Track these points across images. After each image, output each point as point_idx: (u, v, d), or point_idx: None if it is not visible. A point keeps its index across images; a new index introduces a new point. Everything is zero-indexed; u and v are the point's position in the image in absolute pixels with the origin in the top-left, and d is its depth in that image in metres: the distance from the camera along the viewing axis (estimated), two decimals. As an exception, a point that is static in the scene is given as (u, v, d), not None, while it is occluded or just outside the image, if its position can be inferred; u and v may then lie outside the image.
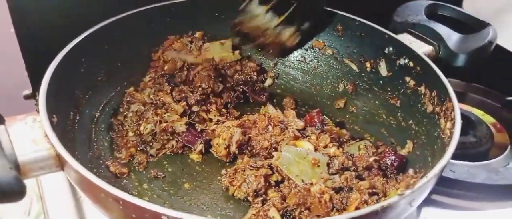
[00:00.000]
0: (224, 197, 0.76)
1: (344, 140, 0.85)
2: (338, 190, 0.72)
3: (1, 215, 0.80)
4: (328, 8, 0.96)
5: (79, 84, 0.80)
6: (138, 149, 0.82)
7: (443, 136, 0.74)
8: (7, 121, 0.64)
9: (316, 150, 0.80)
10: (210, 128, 0.85)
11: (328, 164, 0.77)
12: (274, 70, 1.01)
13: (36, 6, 0.86)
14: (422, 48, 0.89)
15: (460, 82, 1.10)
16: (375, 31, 0.91)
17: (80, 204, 0.79)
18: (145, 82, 0.90)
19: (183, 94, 0.87)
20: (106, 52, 0.86)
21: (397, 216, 0.61)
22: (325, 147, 0.81)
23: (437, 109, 0.78)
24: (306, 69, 1.00)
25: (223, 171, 0.79)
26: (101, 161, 0.78)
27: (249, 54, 0.99)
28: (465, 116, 0.97)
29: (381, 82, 0.91)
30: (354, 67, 0.95)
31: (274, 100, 0.97)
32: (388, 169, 0.79)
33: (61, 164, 0.62)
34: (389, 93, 0.89)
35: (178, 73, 0.91)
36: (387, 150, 0.81)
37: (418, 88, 0.84)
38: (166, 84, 0.89)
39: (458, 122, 0.70)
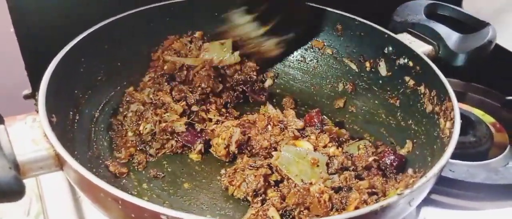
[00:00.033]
0: (224, 197, 0.76)
1: (344, 139, 0.85)
2: (337, 190, 0.72)
3: (1, 215, 0.80)
4: (327, 8, 0.96)
5: (79, 83, 0.80)
6: (138, 149, 0.82)
7: (442, 136, 0.74)
8: (7, 121, 0.64)
9: (315, 149, 0.80)
10: (209, 128, 0.85)
11: (327, 164, 0.77)
12: (274, 70, 1.01)
13: (36, 6, 0.86)
14: (421, 48, 0.89)
15: (460, 82, 1.10)
16: (375, 31, 0.91)
17: (79, 204, 0.79)
18: (144, 82, 0.90)
19: (183, 94, 0.87)
20: (106, 52, 0.86)
21: (397, 215, 0.61)
22: (325, 146, 0.81)
23: (437, 108, 0.78)
24: (306, 69, 1.00)
25: (223, 171, 0.80)
26: (100, 161, 0.78)
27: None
28: (464, 116, 0.97)
29: (380, 81, 0.91)
30: (354, 66, 0.95)
31: (274, 100, 0.97)
32: (387, 169, 0.79)
33: (60, 163, 0.62)
34: (389, 92, 0.89)
35: (178, 73, 0.91)
36: (386, 149, 0.81)
37: (418, 88, 0.84)
38: (166, 84, 0.89)
39: (458, 121, 0.70)
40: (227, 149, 0.81)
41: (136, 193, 0.75)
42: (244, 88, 0.96)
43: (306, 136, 0.84)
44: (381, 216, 0.57)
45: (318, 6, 0.96)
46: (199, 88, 0.88)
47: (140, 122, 0.83)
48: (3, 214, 0.80)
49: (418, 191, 0.60)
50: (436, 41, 0.91)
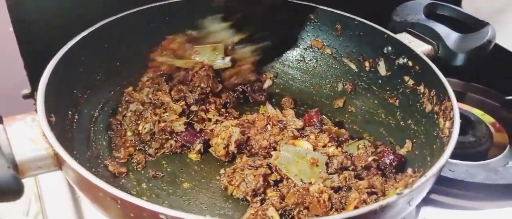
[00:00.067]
0: (223, 197, 0.76)
1: (343, 139, 0.85)
2: (337, 190, 0.72)
3: (0, 215, 0.80)
4: (327, 8, 0.96)
5: (78, 83, 0.80)
6: (137, 148, 0.82)
7: (442, 136, 0.74)
8: (6, 121, 0.64)
9: (315, 149, 0.80)
10: (209, 128, 0.85)
11: (327, 164, 0.77)
12: (273, 70, 1.01)
13: (35, 5, 0.86)
14: (421, 48, 0.89)
15: (459, 82, 1.10)
16: (374, 31, 0.91)
17: (78, 204, 0.79)
18: (143, 82, 0.90)
19: (182, 94, 0.87)
20: (105, 52, 0.86)
21: (396, 215, 0.61)
22: (324, 146, 0.81)
23: (436, 108, 0.78)
24: (305, 68, 1.00)
25: (222, 171, 0.80)
26: (99, 161, 0.78)
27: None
28: (464, 116, 0.97)
29: (380, 81, 0.91)
30: (353, 66, 0.95)
31: (273, 100, 0.97)
32: (387, 169, 0.79)
33: (59, 163, 0.61)
34: (388, 92, 0.89)
35: (176, 73, 0.91)
36: (386, 149, 0.81)
37: (417, 88, 0.84)
38: (165, 83, 0.89)
39: (457, 121, 0.70)
40: (226, 149, 0.81)
41: (135, 192, 0.74)
42: (243, 88, 0.96)
43: (306, 135, 0.84)
44: (380, 215, 0.57)
45: (318, 6, 0.96)
46: (198, 88, 0.88)
47: (139, 122, 0.83)
48: (3, 214, 0.80)
49: (417, 190, 0.59)
50: (436, 40, 0.91)
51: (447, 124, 0.73)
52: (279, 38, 0.97)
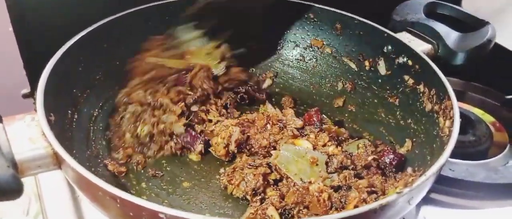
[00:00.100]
0: (223, 196, 0.75)
1: (343, 138, 0.85)
2: (336, 189, 0.72)
3: (0, 215, 0.80)
4: (326, 7, 0.96)
5: (77, 82, 0.80)
6: (136, 150, 0.81)
7: (442, 135, 0.73)
8: (6, 120, 0.64)
9: (314, 148, 0.80)
10: (209, 129, 0.85)
11: (326, 163, 0.77)
12: (273, 69, 1.01)
13: (35, 5, 0.86)
14: (421, 47, 0.89)
15: (459, 81, 1.10)
16: (374, 30, 0.91)
17: (78, 203, 0.79)
18: (132, 86, 0.85)
19: (181, 95, 0.86)
20: (105, 51, 0.86)
21: (396, 214, 0.61)
22: (324, 145, 0.81)
23: (436, 107, 0.78)
24: (305, 68, 1.00)
25: (222, 170, 0.80)
26: (99, 160, 0.77)
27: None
28: (464, 115, 0.97)
29: (380, 80, 0.91)
30: (353, 65, 0.95)
31: (273, 99, 0.97)
32: (386, 168, 0.79)
33: (58, 162, 0.61)
34: (388, 91, 0.89)
35: (168, 75, 0.88)
36: (386, 148, 0.81)
37: (417, 87, 0.84)
38: (161, 85, 0.87)
39: (457, 120, 0.70)
40: (226, 149, 0.81)
41: (134, 192, 0.74)
42: (245, 88, 0.95)
43: (305, 135, 0.84)
44: (380, 214, 0.57)
45: (318, 5, 0.96)
46: (200, 89, 0.87)
47: (137, 124, 0.82)
48: (3, 214, 0.80)
49: (417, 189, 0.59)
50: (436, 40, 0.91)
51: (447, 123, 0.73)
52: (256, 45, 0.96)
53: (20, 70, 0.91)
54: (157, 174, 0.78)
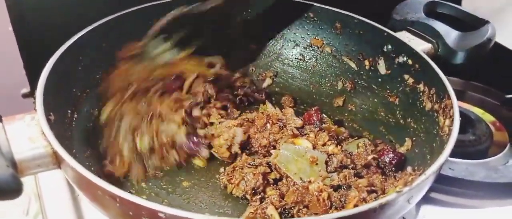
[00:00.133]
0: (223, 195, 0.75)
1: (343, 138, 0.85)
2: (336, 188, 0.72)
3: (0, 215, 0.80)
4: (326, 6, 0.96)
5: (77, 82, 0.80)
6: (136, 164, 0.77)
7: (441, 134, 0.73)
8: (6, 120, 0.64)
9: (314, 148, 0.80)
10: (210, 132, 0.83)
11: (326, 162, 0.77)
12: (273, 69, 1.01)
13: (35, 5, 0.86)
14: (421, 46, 0.89)
15: (459, 81, 1.10)
16: (374, 29, 0.91)
17: (78, 203, 0.79)
18: (118, 103, 0.80)
19: (179, 103, 0.83)
20: (104, 50, 0.85)
21: (396, 213, 0.61)
22: (324, 145, 0.81)
23: (436, 106, 0.78)
24: (305, 67, 1.00)
25: (222, 169, 0.80)
26: (98, 159, 0.77)
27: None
28: (464, 115, 0.97)
29: (379, 80, 0.91)
30: (353, 65, 0.95)
31: (273, 98, 0.97)
32: (386, 167, 0.79)
33: (58, 161, 0.61)
34: (388, 91, 0.89)
35: (157, 85, 0.83)
36: (385, 148, 0.81)
37: (417, 86, 0.84)
38: (154, 95, 0.82)
39: (457, 119, 0.70)
40: (229, 150, 0.81)
41: (134, 191, 0.74)
42: (245, 90, 0.95)
43: (305, 134, 0.84)
44: (380, 213, 0.57)
45: (318, 4, 0.96)
46: (201, 94, 0.86)
47: (136, 137, 0.77)
48: (3, 214, 0.80)
49: (417, 188, 0.59)
50: (435, 39, 0.91)
51: (447, 122, 0.73)
52: (228, 49, 0.94)
53: (20, 70, 0.91)
54: (157, 174, 0.78)
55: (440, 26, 0.92)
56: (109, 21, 0.85)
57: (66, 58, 0.76)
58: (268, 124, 0.83)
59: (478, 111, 1.03)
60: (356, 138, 0.85)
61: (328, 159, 0.77)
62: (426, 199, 0.81)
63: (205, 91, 0.87)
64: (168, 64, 0.84)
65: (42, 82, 0.69)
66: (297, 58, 1.01)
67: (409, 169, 0.76)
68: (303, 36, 0.99)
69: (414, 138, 0.81)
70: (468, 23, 0.96)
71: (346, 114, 0.93)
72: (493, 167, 0.87)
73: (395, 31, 0.91)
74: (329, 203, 0.69)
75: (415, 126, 0.82)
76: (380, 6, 0.97)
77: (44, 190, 0.81)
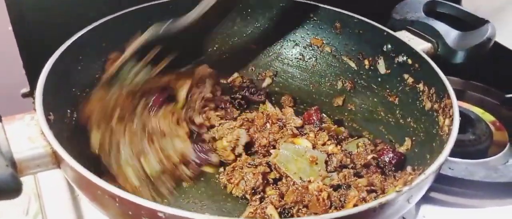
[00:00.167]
0: (222, 195, 0.75)
1: (342, 137, 0.85)
2: (336, 188, 0.72)
3: (0, 215, 0.80)
4: (326, 6, 0.96)
5: (77, 82, 0.79)
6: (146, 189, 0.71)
7: (441, 133, 0.73)
8: (6, 120, 0.64)
9: (314, 147, 0.80)
10: (212, 135, 0.83)
11: (326, 162, 0.77)
12: (272, 68, 1.01)
13: (34, 4, 0.86)
14: (420, 45, 0.89)
15: (459, 80, 1.10)
16: (374, 29, 0.91)
17: (77, 203, 0.79)
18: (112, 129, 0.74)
19: (178, 114, 0.80)
20: (104, 50, 0.85)
21: (395, 213, 0.61)
22: (323, 144, 0.81)
23: (436, 106, 0.78)
24: (305, 67, 1.00)
25: (221, 169, 0.79)
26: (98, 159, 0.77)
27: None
28: (464, 114, 0.97)
29: (379, 79, 0.91)
30: (353, 64, 0.95)
31: (273, 98, 0.97)
32: (386, 167, 0.79)
33: (57, 161, 0.61)
34: (388, 90, 0.89)
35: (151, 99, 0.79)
36: (385, 147, 0.81)
37: (417, 85, 0.84)
38: (144, 112, 0.77)
39: (457, 118, 0.70)
40: (233, 152, 0.80)
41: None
42: (242, 94, 0.95)
43: (305, 134, 0.84)
44: (379, 213, 0.56)
45: (318, 4, 0.96)
46: (198, 102, 0.85)
47: (141, 159, 0.72)
48: (2, 214, 0.80)
49: (416, 188, 0.59)
50: (435, 38, 0.90)
51: (447, 121, 0.73)
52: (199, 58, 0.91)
53: (19, 70, 0.91)
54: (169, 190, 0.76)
55: (439, 26, 0.92)
56: (109, 21, 0.85)
57: (65, 58, 0.76)
58: (267, 124, 0.83)
59: (478, 110, 1.03)
60: (356, 137, 0.85)
61: (327, 158, 0.77)
62: (426, 199, 0.81)
63: (201, 96, 0.86)
64: (146, 81, 0.79)
65: (42, 82, 0.69)
66: (297, 58, 1.00)
67: (408, 168, 0.76)
68: (303, 35, 0.99)
69: (413, 138, 0.81)
70: (468, 23, 0.96)
71: (345, 114, 0.93)
72: (493, 166, 0.87)
73: (394, 31, 0.91)
74: (329, 202, 0.69)
75: (415, 126, 0.82)
76: (380, 5, 0.97)
77: (44, 190, 0.81)
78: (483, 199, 0.83)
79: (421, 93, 0.83)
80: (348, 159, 0.78)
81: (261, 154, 0.80)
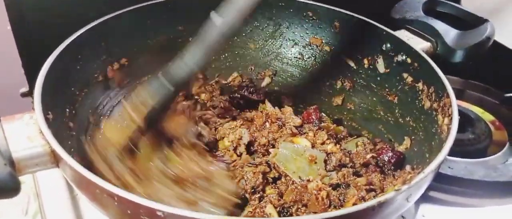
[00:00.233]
0: (221, 194, 0.75)
1: (342, 136, 0.85)
2: (335, 187, 0.72)
3: (-1, 215, 0.80)
4: (325, 5, 0.96)
5: (76, 81, 0.79)
6: None
7: (440, 132, 0.73)
8: (4, 119, 0.64)
9: (313, 147, 0.80)
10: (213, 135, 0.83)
11: (325, 161, 0.77)
12: (272, 68, 1.01)
13: (33, 4, 0.86)
14: (419, 45, 0.89)
15: (459, 80, 1.10)
16: (373, 28, 0.91)
17: (76, 202, 0.79)
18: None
19: (202, 152, 0.76)
20: (103, 50, 0.85)
21: (394, 211, 0.61)
22: (323, 143, 0.81)
23: (435, 105, 0.78)
24: (304, 66, 1.00)
25: (221, 169, 0.79)
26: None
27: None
28: (463, 113, 0.97)
29: (378, 78, 0.91)
30: (352, 64, 0.95)
31: (272, 97, 0.97)
32: (385, 166, 0.79)
33: (56, 160, 0.61)
34: (387, 89, 0.89)
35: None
36: (384, 146, 0.81)
37: (416, 85, 0.84)
38: (157, 146, 0.71)
39: (456, 117, 0.70)
40: (235, 151, 0.80)
41: (133, 190, 0.74)
42: (241, 93, 0.95)
43: (304, 133, 0.84)
44: (378, 212, 0.56)
45: (317, 3, 0.96)
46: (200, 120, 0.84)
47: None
48: (1, 214, 0.80)
49: (415, 187, 0.59)
50: (435, 37, 0.90)
51: (446, 120, 0.73)
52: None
53: (19, 69, 0.90)
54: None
55: (439, 25, 0.92)
56: (108, 20, 0.84)
57: (64, 57, 0.75)
58: (267, 123, 0.83)
59: (477, 110, 1.03)
60: (355, 137, 0.85)
61: (327, 157, 0.77)
62: (425, 198, 0.81)
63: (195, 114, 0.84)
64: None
65: (40, 81, 0.69)
66: (296, 57, 1.00)
67: (408, 167, 0.76)
68: (302, 35, 0.99)
69: (413, 137, 0.81)
70: (467, 22, 0.96)
71: (345, 113, 0.93)
72: (492, 166, 0.87)
73: (394, 30, 0.91)
74: (328, 201, 0.69)
75: (414, 125, 0.82)
76: (379, 5, 0.97)
77: (43, 190, 0.81)
78: (482, 198, 0.83)
79: (420, 92, 0.83)
80: (347, 158, 0.78)
81: (260, 153, 0.80)
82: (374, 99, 0.91)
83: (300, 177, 0.74)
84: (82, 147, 0.70)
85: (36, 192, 0.82)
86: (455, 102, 0.72)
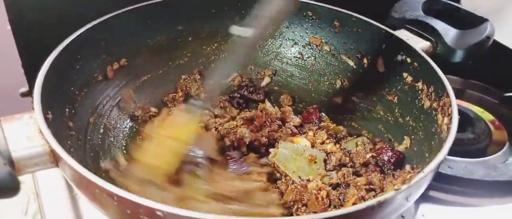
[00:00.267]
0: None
1: (341, 136, 0.85)
2: (335, 186, 0.72)
3: (-1, 215, 0.80)
4: (325, 5, 0.96)
5: (75, 80, 0.79)
6: None
7: (440, 132, 0.73)
8: (4, 119, 0.64)
9: (313, 146, 0.80)
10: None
11: (325, 161, 0.77)
12: (272, 67, 1.01)
13: (33, 4, 0.86)
14: (419, 44, 0.89)
15: (459, 79, 1.10)
16: (372, 27, 0.91)
17: (76, 202, 0.79)
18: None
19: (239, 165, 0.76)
20: (103, 49, 0.85)
21: (394, 211, 0.61)
22: (322, 143, 0.81)
23: (435, 104, 0.78)
24: (303, 65, 1.00)
25: (221, 168, 0.79)
26: (96, 157, 0.77)
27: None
28: (463, 113, 0.97)
29: (378, 78, 0.91)
30: (351, 63, 0.95)
31: (271, 97, 0.97)
32: (385, 165, 0.79)
33: (55, 160, 0.61)
34: (387, 89, 0.89)
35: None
36: (384, 146, 0.81)
37: (416, 84, 0.84)
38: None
39: (455, 117, 0.70)
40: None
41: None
42: (241, 92, 0.95)
43: (304, 132, 0.84)
44: (378, 211, 0.56)
45: (316, 3, 0.96)
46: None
47: None
48: (1, 214, 0.80)
49: (415, 186, 0.59)
50: (434, 37, 0.90)
51: (446, 120, 0.73)
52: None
53: (18, 69, 0.90)
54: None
55: (438, 24, 0.92)
56: (108, 19, 0.84)
57: (64, 56, 0.75)
58: (267, 123, 0.83)
59: (477, 109, 1.03)
60: (355, 136, 0.85)
61: (326, 157, 0.77)
62: (425, 198, 0.81)
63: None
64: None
65: (40, 81, 0.69)
66: (296, 57, 1.00)
67: (407, 167, 0.76)
68: (301, 34, 0.99)
69: (412, 137, 0.81)
70: (467, 21, 0.96)
71: (344, 113, 0.93)
72: (492, 165, 0.87)
73: (393, 30, 0.91)
74: (328, 201, 0.70)
75: (414, 125, 0.82)
76: (379, 4, 0.97)
77: (43, 189, 0.81)
78: (482, 198, 0.83)
79: (420, 92, 0.83)
80: (347, 158, 0.78)
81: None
82: (374, 98, 0.91)
83: (300, 177, 0.74)
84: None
85: (35, 192, 0.82)
86: (454, 102, 0.72)
